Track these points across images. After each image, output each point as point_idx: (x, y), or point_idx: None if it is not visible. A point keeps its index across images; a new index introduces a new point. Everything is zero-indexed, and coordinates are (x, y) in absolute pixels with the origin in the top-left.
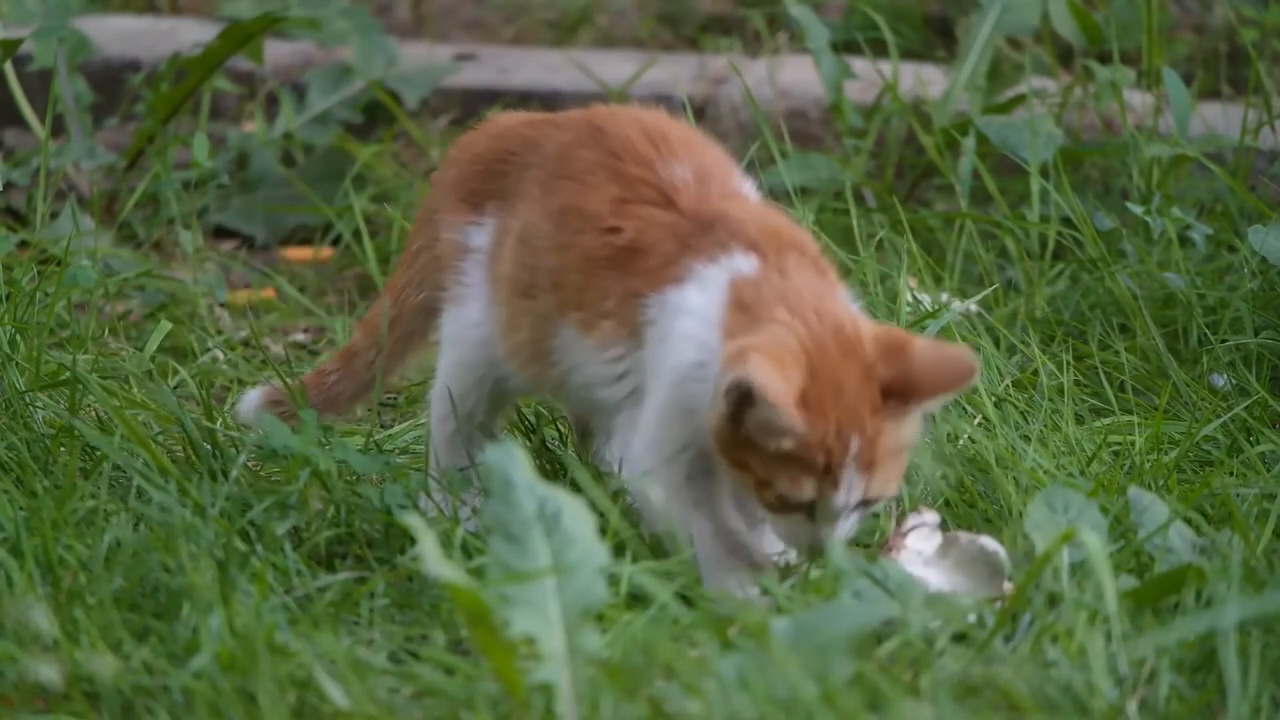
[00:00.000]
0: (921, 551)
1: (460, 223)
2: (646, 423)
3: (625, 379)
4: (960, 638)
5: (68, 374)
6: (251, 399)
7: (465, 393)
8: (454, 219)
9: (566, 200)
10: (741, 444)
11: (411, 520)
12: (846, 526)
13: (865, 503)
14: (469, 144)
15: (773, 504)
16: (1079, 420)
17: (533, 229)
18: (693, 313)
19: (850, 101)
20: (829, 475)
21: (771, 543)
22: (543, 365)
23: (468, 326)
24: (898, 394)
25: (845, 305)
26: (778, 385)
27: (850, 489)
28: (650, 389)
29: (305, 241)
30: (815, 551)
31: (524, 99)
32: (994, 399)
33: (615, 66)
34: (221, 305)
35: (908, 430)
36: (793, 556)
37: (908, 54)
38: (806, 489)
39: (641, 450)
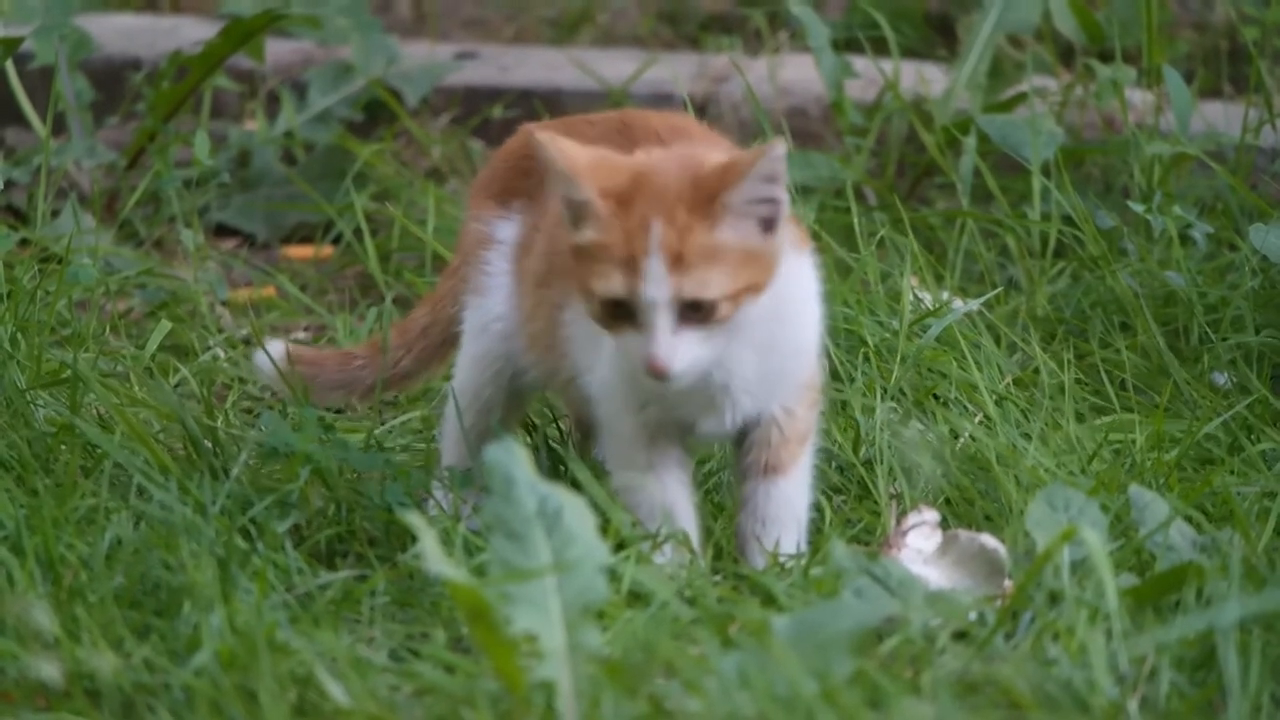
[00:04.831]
0: (922, 549)
1: (488, 216)
2: (605, 368)
3: None
4: (961, 636)
5: (69, 372)
6: (274, 350)
7: (483, 385)
8: (483, 213)
9: None
10: (576, 255)
11: (412, 518)
12: (687, 343)
13: (691, 305)
14: (503, 147)
15: (597, 313)
16: (1080, 418)
17: (555, 219)
18: None
19: (851, 100)
20: (632, 265)
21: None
22: (555, 357)
23: (490, 320)
24: (712, 193)
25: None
26: (571, 152)
27: (657, 280)
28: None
29: (306, 240)
30: (657, 373)
31: (525, 97)
32: (995, 397)
33: (616, 65)
34: (222, 303)
35: (737, 232)
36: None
37: (909, 52)
38: (614, 281)
39: (605, 392)
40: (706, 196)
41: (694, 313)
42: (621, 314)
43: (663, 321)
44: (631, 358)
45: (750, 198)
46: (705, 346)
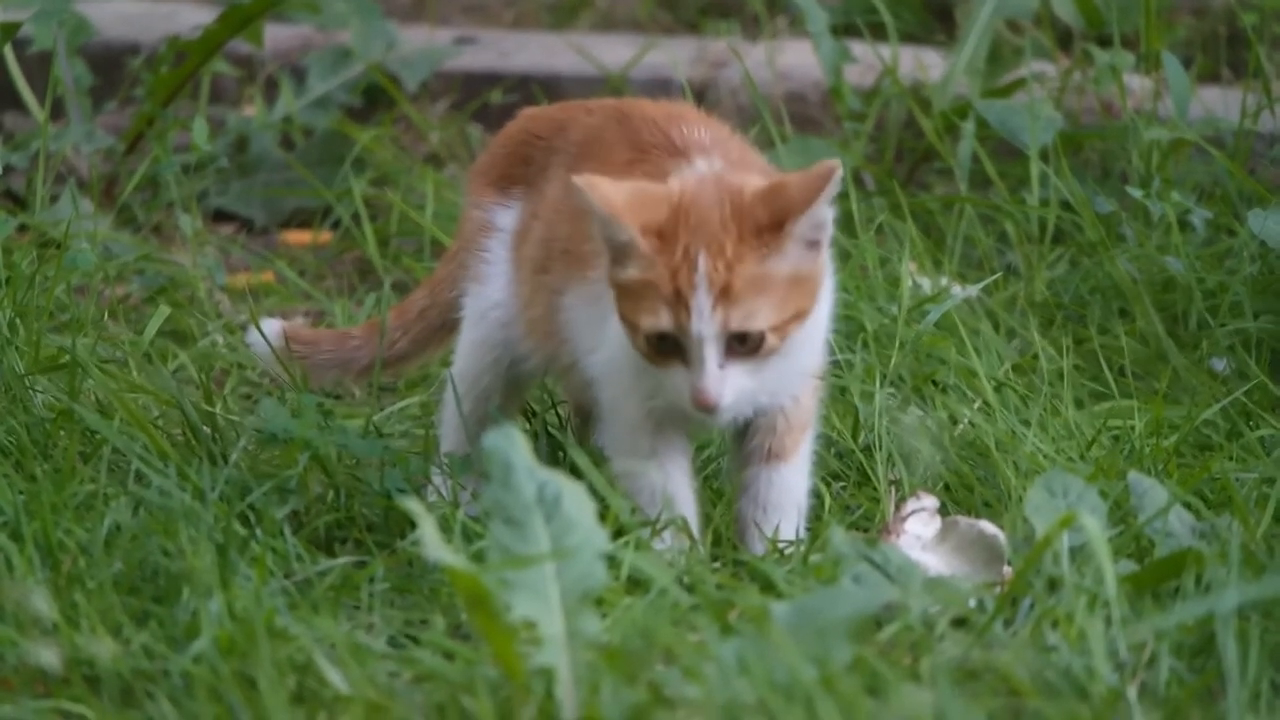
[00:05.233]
0: (921, 536)
1: (488, 202)
2: (611, 353)
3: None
4: (960, 622)
5: (67, 357)
6: (271, 328)
7: (482, 372)
8: (482, 200)
9: (584, 172)
10: (619, 289)
11: (411, 504)
12: (736, 376)
13: (738, 338)
14: (503, 131)
15: (646, 350)
16: (1078, 405)
17: (553, 205)
18: None
19: (850, 85)
20: (680, 300)
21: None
22: (554, 343)
23: (489, 306)
24: (774, 223)
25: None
26: (609, 193)
27: (704, 315)
28: (614, 315)
29: (304, 225)
30: (705, 407)
31: (524, 82)
32: (994, 383)
33: (615, 50)
34: (221, 289)
35: (789, 260)
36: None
37: (907, 37)
38: (662, 317)
39: (610, 378)
40: (760, 225)
41: (741, 345)
42: (667, 348)
43: (710, 356)
44: (679, 391)
45: (812, 223)
46: (753, 378)
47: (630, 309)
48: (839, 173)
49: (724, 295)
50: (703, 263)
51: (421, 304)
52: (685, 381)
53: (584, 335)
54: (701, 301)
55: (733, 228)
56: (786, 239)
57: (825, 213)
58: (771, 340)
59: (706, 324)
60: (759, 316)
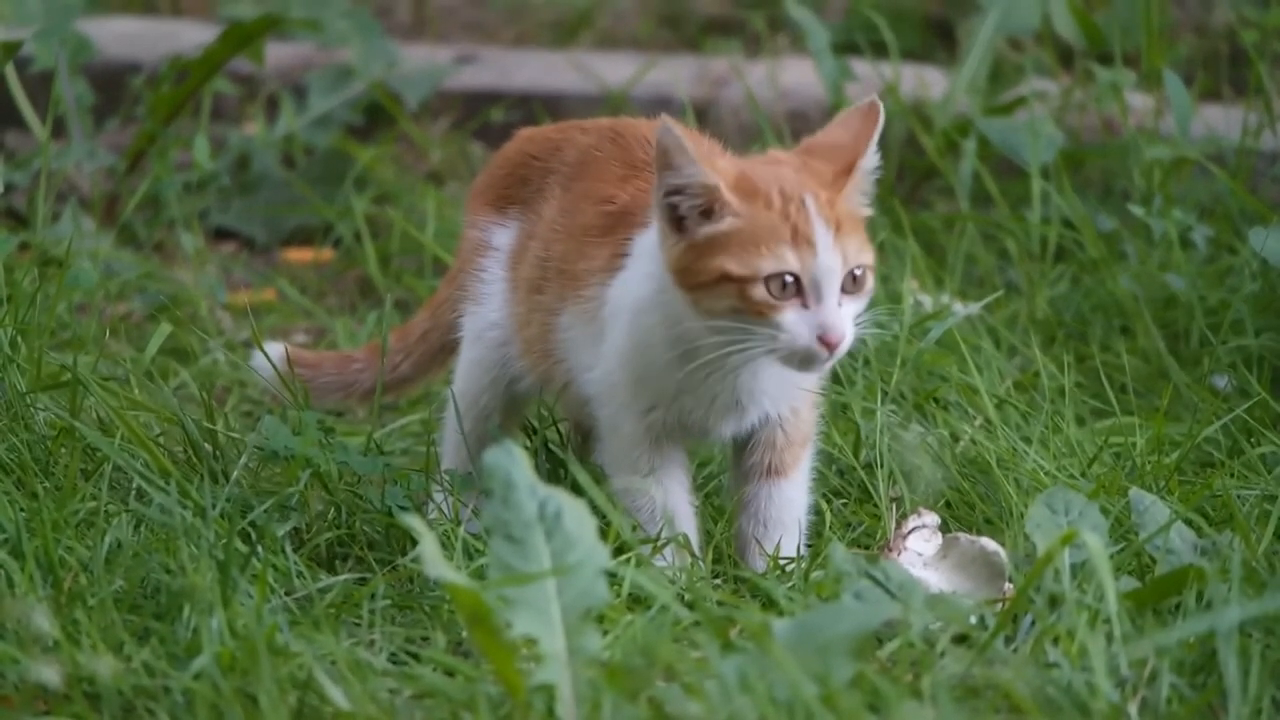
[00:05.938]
0: (922, 553)
1: (484, 222)
2: (608, 370)
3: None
4: (961, 639)
5: (69, 375)
6: (273, 352)
7: (480, 391)
8: (479, 219)
9: (579, 191)
10: (701, 252)
11: (412, 521)
12: (849, 315)
13: (851, 275)
14: (500, 152)
15: (764, 299)
16: (1080, 422)
17: (548, 224)
18: (653, 251)
19: (851, 103)
20: (802, 238)
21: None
22: (550, 362)
23: (486, 327)
24: (842, 169)
25: None
26: (686, 139)
27: (829, 250)
28: (611, 332)
29: (306, 243)
30: (831, 343)
31: (525, 100)
32: (995, 401)
33: (616, 68)
34: (222, 306)
35: (858, 199)
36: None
37: (908, 55)
38: (788, 258)
39: (607, 394)
40: (829, 175)
41: (852, 283)
42: (775, 293)
43: (834, 291)
44: (796, 334)
45: (871, 161)
46: (852, 321)
47: (732, 259)
48: (881, 109)
49: (839, 231)
50: (810, 202)
51: (423, 326)
52: (803, 323)
53: (580, 354)
54: (824, 237)
55: (809, 178)
56: (857, 177)
57: (876, 153)
58: (869, 279)
59: (832, 258)
60: (866, 252)
